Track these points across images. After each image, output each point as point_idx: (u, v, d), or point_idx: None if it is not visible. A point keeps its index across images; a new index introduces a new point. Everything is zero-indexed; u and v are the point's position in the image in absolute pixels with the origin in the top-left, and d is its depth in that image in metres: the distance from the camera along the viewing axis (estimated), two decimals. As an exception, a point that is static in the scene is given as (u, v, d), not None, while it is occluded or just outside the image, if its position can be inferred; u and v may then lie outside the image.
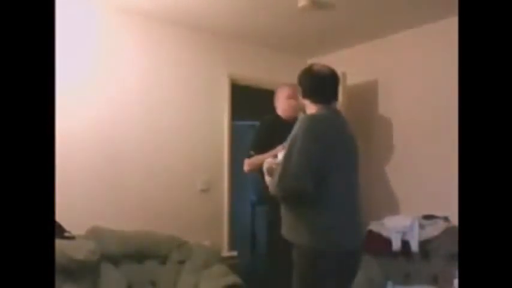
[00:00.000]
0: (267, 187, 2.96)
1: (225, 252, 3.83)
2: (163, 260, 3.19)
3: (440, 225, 3.26)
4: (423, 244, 3.24)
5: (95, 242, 2.89)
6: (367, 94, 4.10)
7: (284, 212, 2.10)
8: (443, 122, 3.49)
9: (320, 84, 2.15)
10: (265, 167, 2.22)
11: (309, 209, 1.98)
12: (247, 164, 3.09)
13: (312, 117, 2.08)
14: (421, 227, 3.30)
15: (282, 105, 3.15)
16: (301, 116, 2.24)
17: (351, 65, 3.99)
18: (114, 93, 3.42)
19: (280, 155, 2.12)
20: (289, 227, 2.07)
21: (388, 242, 3.34)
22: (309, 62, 4.31)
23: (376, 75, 4.07)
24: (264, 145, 2.98)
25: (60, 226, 2.85)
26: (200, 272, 3.13)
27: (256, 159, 2.99)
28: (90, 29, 3.35)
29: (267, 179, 2.18)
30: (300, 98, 2.22)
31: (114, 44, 3.47)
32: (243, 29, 3.88)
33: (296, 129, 2.02)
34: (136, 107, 3.53)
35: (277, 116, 3.18)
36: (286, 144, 2.07)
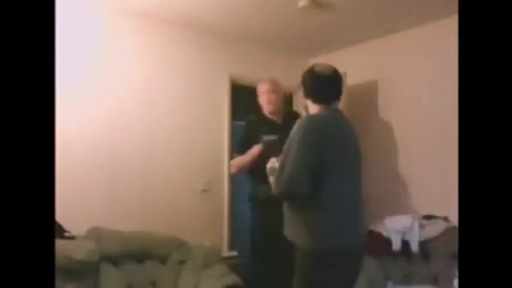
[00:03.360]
0: (256, 187, 2.99)
1: (225, 252, 3.83)
2: (163, 260, 3.19)
3: (440, 225, 3.26)
4: (423, 244, 3.24)
5: (95, 242, 2.89)
6: (367, 94, 4.10)
7: (286, 212, 2.11)
8: (443, 121, 3.49)
9: (320, 85, 2.14)
10: (268, 167, 2.22)
11: (310, 209, 1.98)
12: (231, 166, 3.13)
13: (310, 119, 2.08)
14: (421, 227, 3.31)
15: (263, 100, 3.15)
16: (301, 117, 2.25)
17: (351, 65, 3.98)
18: (114, 93, 3.42)
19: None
20: (290, 228, 2.08)
21: (388, 242, 3.34)
22: (309, 61, 4.31)
23: (376, 75, 4.07)
24: (247, 145, 3.00)
25: (60, 226, 2.85)
26: (200, 272, 3.13)
27: (238, 160, 3.02)
28: (91, 30, 3.35)
29: (270, 178, 2.19)
30: (303, 98, 2.23)
31: (114, 44, 3.46)
32: (243, 29, 3.88)
33: (294, 130, 2.03)
34: (136, 106, 3.53)
35: (260, 116, 3.18)
36: (284, 146, 2.07)
